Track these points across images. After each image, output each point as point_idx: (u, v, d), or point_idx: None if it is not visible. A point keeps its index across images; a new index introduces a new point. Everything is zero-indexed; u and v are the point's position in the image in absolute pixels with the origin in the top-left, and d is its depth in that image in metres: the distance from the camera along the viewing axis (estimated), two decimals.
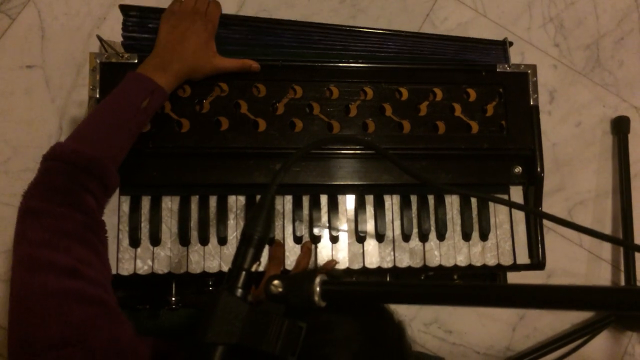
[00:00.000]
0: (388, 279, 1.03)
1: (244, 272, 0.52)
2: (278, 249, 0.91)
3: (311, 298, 0.49)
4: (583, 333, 1.26)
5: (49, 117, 1.23)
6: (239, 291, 0.52)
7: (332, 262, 0.93)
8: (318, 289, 0.49)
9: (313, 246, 0.94)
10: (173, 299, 0.96)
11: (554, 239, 1.33)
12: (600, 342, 1.31)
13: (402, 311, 1.25)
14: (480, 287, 0.46)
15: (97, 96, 0.90)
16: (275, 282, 0.50)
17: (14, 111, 1.22)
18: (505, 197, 0.99)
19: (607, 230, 1.36)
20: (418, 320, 1.26)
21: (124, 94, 0.83)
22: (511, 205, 0.96)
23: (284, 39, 0.98)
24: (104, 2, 1.29)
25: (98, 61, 0.90)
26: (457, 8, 1.40)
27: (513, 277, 1.24)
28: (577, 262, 1.33)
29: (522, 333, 1.29)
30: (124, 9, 0.94)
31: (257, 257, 0.54)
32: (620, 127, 1.38)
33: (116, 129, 0.80)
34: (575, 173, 1.38)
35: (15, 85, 1.23)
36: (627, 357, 1.31)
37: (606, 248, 1.35)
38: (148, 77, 0.83)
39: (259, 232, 0.54)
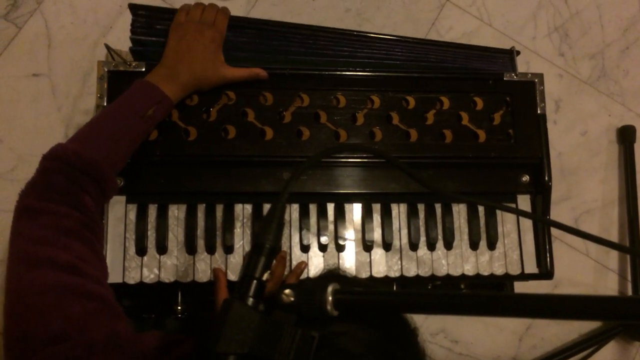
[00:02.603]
0: (395, 289, 1.02)
1: (255, 281, 0.52)
2: (279, 266, 0.90)
3: (324, 307, 0.49)
4: (590, 343, 1.25)
5: (55, 125, 1.23)
6: (250, 300, 0.51)
7: (302, 265, 0.92)
8: (330, 298, 0.49)
9: (321, 254, 0.94)
10: (179, 307, 0.96)
11: (561, 248, 1.32)
12: (608, 352, 1.30)
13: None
14: (494, 296, 0.46)
15: (105, 104, 0.90)
16: (287, 291, 0.50)
17: (20, 119, 1.22)
18: (513, 206, 0.98)
19: (614, 239, 1.35)
20: (424, 330, 1.25)
21: (130, 101, 0.83)
22: (519, 213, 0.96)
23: (292, 44, 0.98)
24: (111, 11, 1.29)
25: (106, 69, 0.90)
26: (462, 17, 1.40)
27: (520, 287, 1.24)
28: (584, 271, 1.33)
29: (529, 343, 1.28)
30: (133, 7, 0.94)
31: (268, 266, 0.53)
32: (626, 136, 1.38)
33: (118, 135, 0.80)
34: (581, 182, 1.37)
35: (21, 93, 1.23)
36: None
37: (613, 258, 1.34)
38: (155, 86, 0.83)
39: (270, 241, 0.54)
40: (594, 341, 1.25)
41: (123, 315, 0.66)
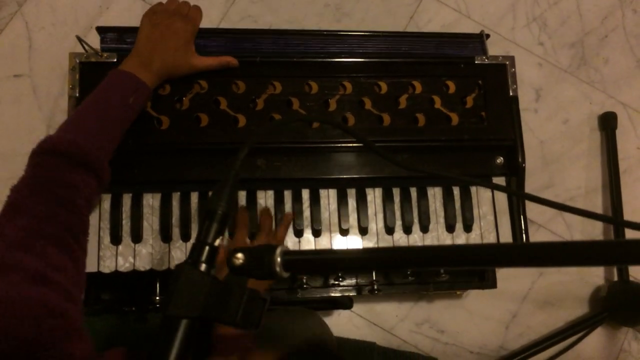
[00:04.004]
0: (374, 273, 1.02)
1: (207, 247, 0.52)
2: (242, 215, 0.92)
3: (273, 269, 0.49)
4: (577, 330, 1.24)
5: (37, 125, 1.24)
6: (203, 266, 0.52)
7: (289, 216, 0.94)
8: (279, 259, 0.49)
9: (297, 240, 0.94)
10: (157, 298, 0.96)
11: (545, 236, 1.32)
12: (596, 339, 1.29)
13: (393, 311, 1.25)
14: (432, 248, 0.46)
15: (77, 95, 0.91)
16: (238, 254, 0.50)
17: (2, 120, 1.23)
18: (488, 189, 0.99)
19: (598, 226, 1.35)
20: (409, 320, 1.25)
21: (110, 91, 0.83)
22: (492, 187, 0.97)
23: (263, 45, 0.99)
24: (91, 11, 1.31)
25: (77, 61, 0.91)
26: (440, 10, 1.42)
27: (503, 270, 1.24)
28: None
29: (515, 331, 1.27)
30: (101, 30, 0.95)
31: (220, 232, 0.54)
32: (607, 123, 1.38)
33: (106, 124, 0.79)
34: (564, 170, 1.37)
35: (3, 94, 1.25)
36: (623, 354, 1.29)
37: None
38: (132, 74, 0.84)
39: (222, 207, 0.54)
40: (581, 327, 1.24)
41: (83, 335, 0.61)
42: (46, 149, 0.71)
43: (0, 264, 0.61)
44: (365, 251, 0.49)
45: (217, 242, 0.53)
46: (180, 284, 0.50)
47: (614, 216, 1.29)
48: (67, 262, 0.67)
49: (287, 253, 0.49)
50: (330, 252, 0.52)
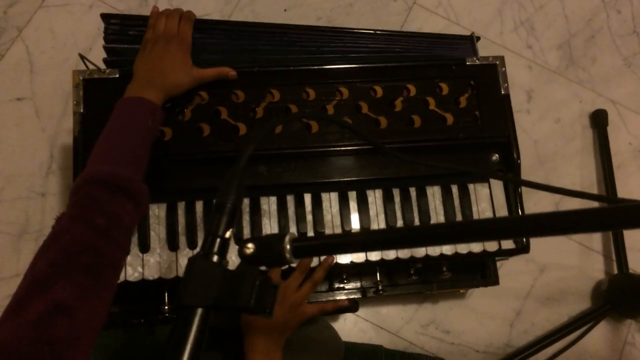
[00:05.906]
0: (378, 274, 1.04)
1: (218, 239, 0.54)
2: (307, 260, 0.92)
3: (282, 256, 0.51)
4: (581, 324, 1.26)
5: (40, 146, 1.26)
6: (215, 257, 0.54)
7: (330, 259, 0.94)
8: (288, 246, 0.51)
9: None
10: (166, 307, 0.98)
11: None
12: (600, 333, 1.30)
13: (398, 314, 1.26)
14: (433, 226, 0.48)
15: (82, 111, 0.93)
16: (248, 244, 0.52)
17: (6, 142, 1.26)
18: (485, 185, 1.01)
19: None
20: (415, 321, 1.27)
21: (130, 118, 0.83)
22: (489, 175, 0.99)
23: (259, 42, 1.02)
24: (90, 34, 1.34)
25: (81, 78, 0.94)
26: (430, 18, 1.45)
27: (505, 268, 1.25)
28: (569, 254, 1.34)
29: (520, 328, 1.29)
30: (106, 17, 0.98)
31: (230, 225, 0.55)
32: (598, 120, 1.41)
33: (134, 149, 0.80)
34: (559, 168, 1.40)
35: (6, 117, 1.27)
36: (628, 347, 1.30)
37: (596, 239, 1.36)
38: (142, 98, 0.85)
39: (231, 200, 0.56)
40: (584, 321, 1.26)
41: None
42: (88, 180, 0.71)
43: (16, 304, 0.60)
44: (374, 232, 0.50)
45: (227, 234, 0.55)
46: (194, 275, 0.52)
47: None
48: (81, 304, 0.63)
49: (296, 240, 0.51)
50: (339, 236, 0.54)
